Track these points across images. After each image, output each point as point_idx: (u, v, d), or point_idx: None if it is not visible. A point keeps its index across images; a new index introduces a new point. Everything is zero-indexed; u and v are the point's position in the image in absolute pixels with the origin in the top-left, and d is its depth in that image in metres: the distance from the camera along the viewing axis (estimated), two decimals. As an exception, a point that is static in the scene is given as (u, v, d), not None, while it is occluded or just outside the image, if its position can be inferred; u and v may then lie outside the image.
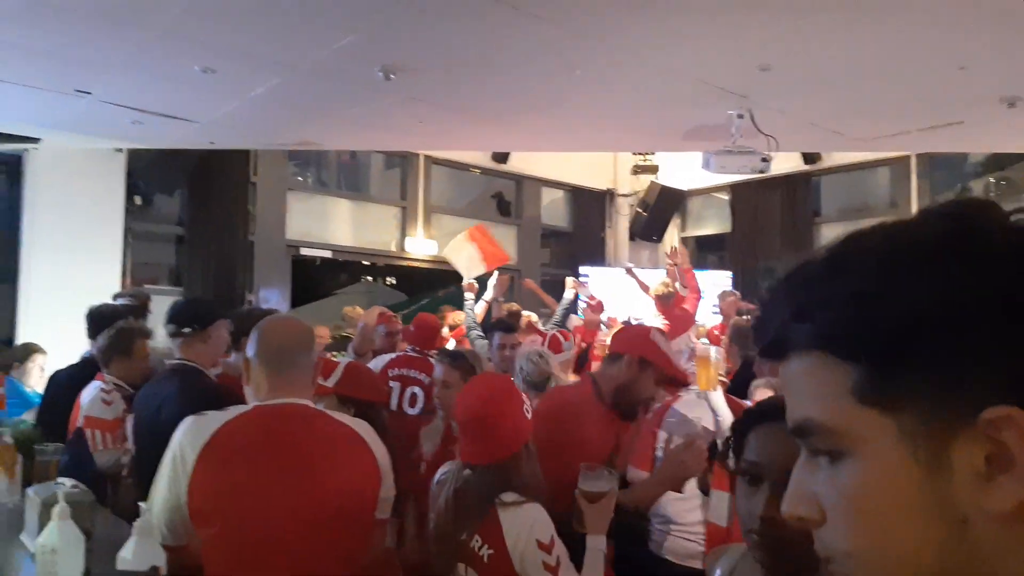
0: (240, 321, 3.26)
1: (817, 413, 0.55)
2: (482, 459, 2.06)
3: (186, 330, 2.92)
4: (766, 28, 3.66)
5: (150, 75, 4.44)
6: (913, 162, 8.27)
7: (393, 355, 4.27)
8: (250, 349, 2.10)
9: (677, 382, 2.81)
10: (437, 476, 2.25)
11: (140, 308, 4.74)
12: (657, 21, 3.62)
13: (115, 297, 5.01)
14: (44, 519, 2.16)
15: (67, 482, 2.30)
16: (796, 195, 8.92)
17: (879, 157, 8.24)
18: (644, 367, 2.61)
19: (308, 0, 3.50)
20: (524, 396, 2.15)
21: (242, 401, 2.14)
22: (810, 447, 0.57)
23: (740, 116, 4.64)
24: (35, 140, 6.04)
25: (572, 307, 7.33)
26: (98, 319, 4.13)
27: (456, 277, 10.75)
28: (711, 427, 2.94)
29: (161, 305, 7.26)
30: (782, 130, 4.79)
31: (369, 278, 13.70)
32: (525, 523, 1.94)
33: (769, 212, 9.14)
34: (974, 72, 4.03)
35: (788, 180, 8.83)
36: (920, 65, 4.06)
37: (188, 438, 1.92)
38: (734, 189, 9.40)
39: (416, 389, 4.08)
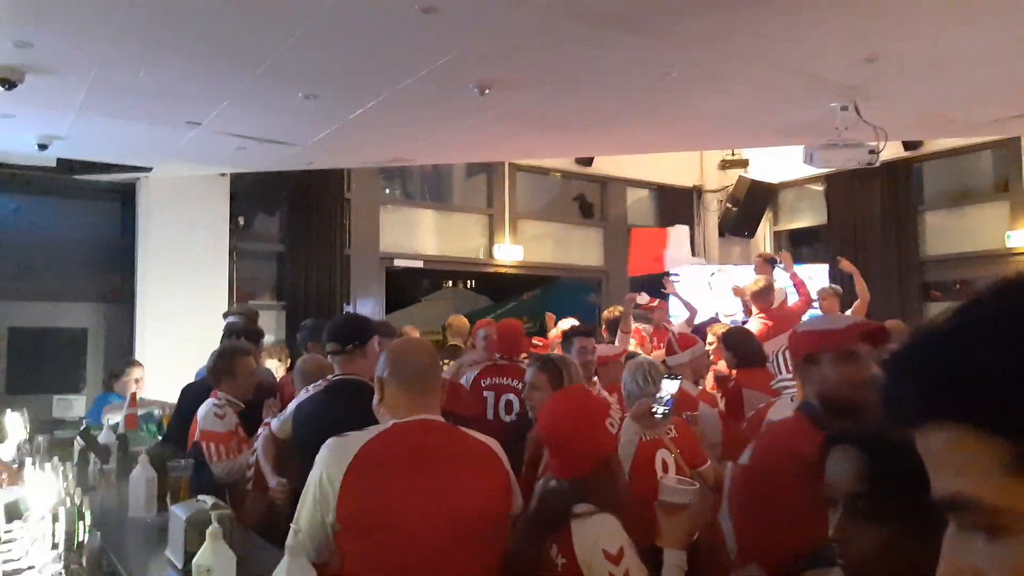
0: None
1: (970, 489, 0.53)
2: (564, 473, 2.09)
3: (348, 347, 2.98)
4: (873, 18, 3.53)
5: (256, 105, 4.62)
6: (1023, 143, 7.81)
7: (482, 366, 4.29)
8: (384, 370, 2.17)
9: None
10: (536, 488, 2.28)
11: (251, 327, 4.97)
12: (757, 19, 3.54)
13: (225, 315, 5.25)
14: (190, 536, 2.28)
15: (207, 499, 2.41)
16: (897, 183, 8.55)
17: (984, 140, 7.80)
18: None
19: (404, 25, 3.57)
20: (608, 407, 2.14)
21: None
22: (963, 521, 0.55)
23: (844, 108, 4.48)
24: (147, 169, 6.37)
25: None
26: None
27: (539, 282, 10.83)
28: None
29: (266, 318, 7.71)
30: (889, 120, 4.59)
31: (450, 283, 13.93)
32: (592, 533, 1.95)
33: (868, 202, 8.78)
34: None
35: (888, 168, 8.43)
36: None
37: (333, 459, 1.99)
38: (829, 180, 9.07)
39: (511, 396, 4.13)
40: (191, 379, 4.29)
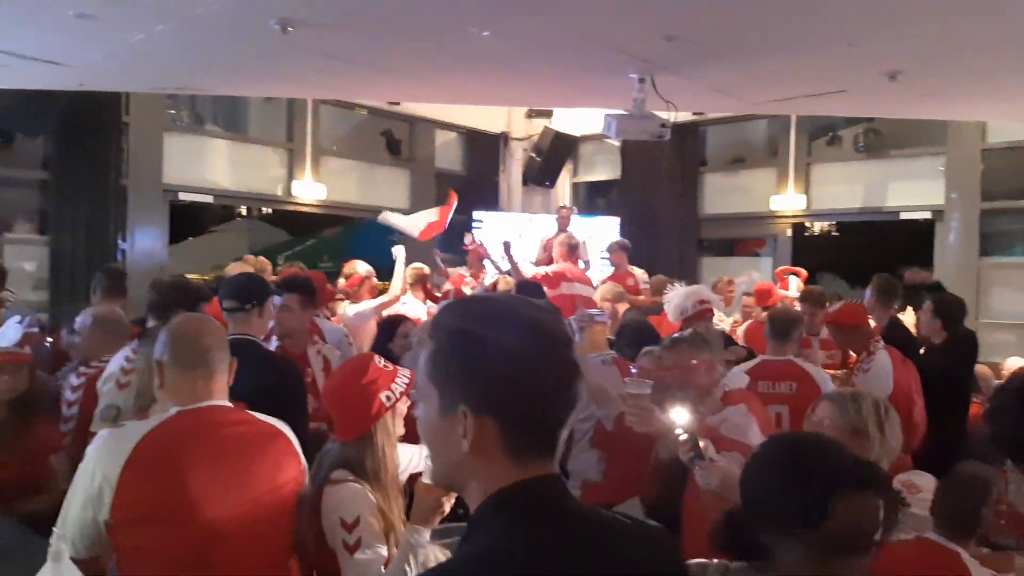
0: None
1: None
2: (338, 434, 2.12)
3: (248, 306, 3.01)
4: (676, 3, 3.71)
5: (19, 19, 4.02)
6: (793, 116, 8.68)
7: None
8: (163, 352, 2.03)
9: None
10: None
11: None
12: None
13: None
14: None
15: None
16: (684, 143, 9.17)
17: (761, 110, 8.58)
18: None
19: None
20: (391, 379, 2.11)
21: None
22: None
23: (642, 80, 4.70)
24: None
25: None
26: None
27: (342, 220, 10.53)
28: None
29: (27, 252, 6.86)
30: (681, 94, 4.88)
31: (244, 210, 12.97)
32: (336, 500, 1.98)
33: (658, 160, 9.37)
34: (861, 47, 4.24)
35: (677, 129, 8.95)
36: (815, 41, 4.23)
37: (107, 454, 1.86)
38: (625, 137, 9.57)
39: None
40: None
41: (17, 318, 3.05)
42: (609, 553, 1.02)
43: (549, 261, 6.67)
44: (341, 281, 5.84)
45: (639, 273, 7.38)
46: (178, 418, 1.95)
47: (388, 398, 2.06)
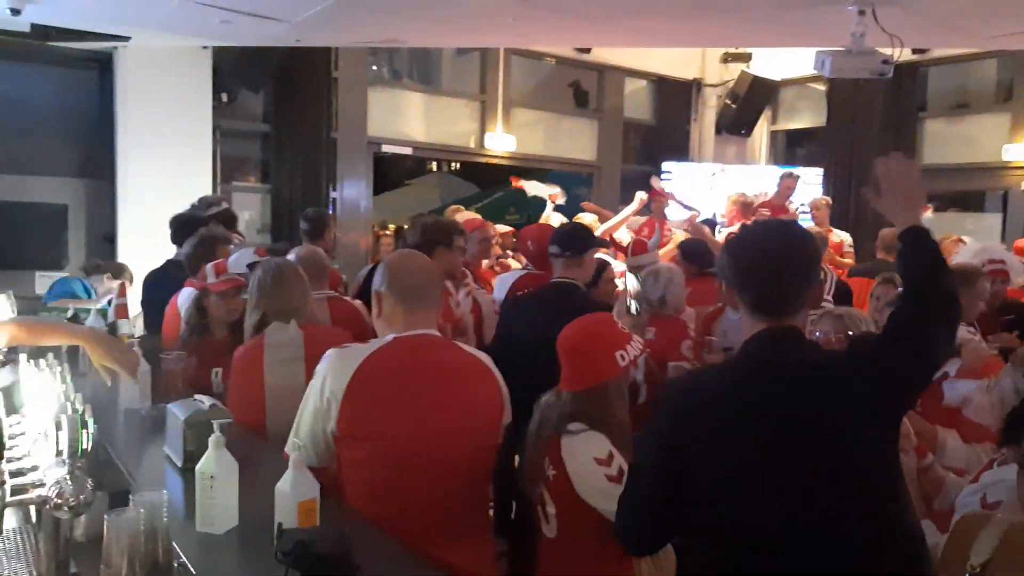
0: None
1: None
2: (566, 384, 2.20)
3: (568, 253, 3.34)
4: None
5: (243, -23, 4.35)
6: (1030, 53, 7.61)
7: (517, 274, 4.24)
8: (383, 284, 2.14)
9: None
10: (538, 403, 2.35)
11: (226, 214, 4.87)
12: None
13: (200, 203, 5.11)
14: (189, 436, 2.29)
15: (205, 400, 2.40)
16: (902, 87, 8.34)
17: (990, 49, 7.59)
18: None
19: None
20: (626, 341, 2.21)
21: None
22: None
23: (862, 12, 4.29)
24: (126, 38, 6.04)
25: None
26: (180, 226, 4.27)
27: (529, 172, 10.66)
28: None
29: (251, 200, 7.56)
30: (903, 28, 4.40)
31: (435, 166, 13.60)
32: (582, 448, 2.10)
33: (870, 105, 8.60)
34: None
35: (894, 71, 8.23)
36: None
37: (335, 371, 2.01)
38: (833, 80, 8.82)
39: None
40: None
41: (251, 249, 3.33)
42: None
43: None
44: None
45: (844, 236, 6.87)
46: (394, 344, 2.06)
47: (623, 357, 2.16)
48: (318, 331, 2.78)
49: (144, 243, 5.52)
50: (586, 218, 5.63)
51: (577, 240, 3.39)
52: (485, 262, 4.99)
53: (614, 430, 2.14)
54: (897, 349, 1.57)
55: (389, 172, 12.21)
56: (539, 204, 7.27)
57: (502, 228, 6.47)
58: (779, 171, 7.88)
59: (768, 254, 1.66)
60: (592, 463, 2.07)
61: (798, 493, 1.51)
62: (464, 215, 5.58)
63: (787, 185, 6.97)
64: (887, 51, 4.49)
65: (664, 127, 9.85)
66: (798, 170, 8.92)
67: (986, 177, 8.31)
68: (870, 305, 3.65)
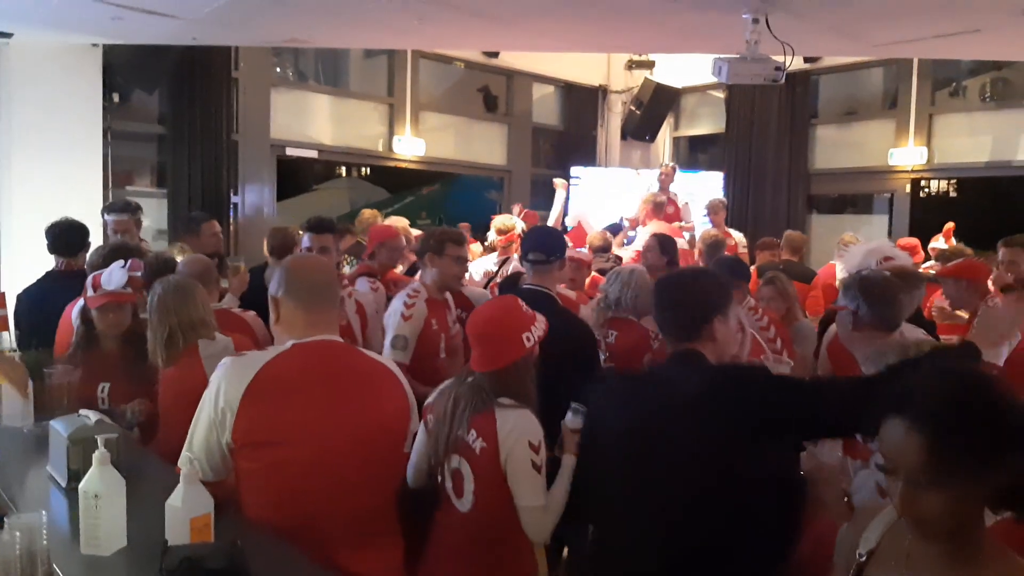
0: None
1: None
2: (480, 366, 2.26)
3: (552, 258, 3.18)
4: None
5: (133, -30, 4.15)
6: (915, 61, 8.10)
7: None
8: (279, 288, 2.07)
9: None
10: (438, 389, 2.40)
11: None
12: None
13: (106, 210, 4.84)
14: (73, 454, 2.16)
15: (90, 415, 2.28)
16: (795, 95, 8.74)
17: (877, 58, 8.04)
18: None
19: None
20: (531, 322, 2.30)
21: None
22: None
23: (755, 20, 4.46)
24: (7, 35, 5.67)
25: (565, 207, 7.30)
26: (62, 233, 3.93)
27: (439, 176, 10.61)
28: None
29: (147, 206, 7.22)
30: (797, 36, 4.61)
31: (343, 170, 13.38)
32: (518, 423, 2.17)
33: (766, 112, 8.98)
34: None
35: (787, 79, 8.59)
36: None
37: (229, 379, 1.93)
38: (731, 87, 9.18)
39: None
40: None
41: (120, 262, 3.16)
42: None
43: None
44: (493, 236, 5.69)
45: (737, 236, 7.15)
46: (294, 350, 2.00)
47: (528, 339, 2.25)
48: (236, 337, 2.78)
49: (29, 252, 5.18)
50: (508, 220, 5.64)
51: (555, 247, 3.24)
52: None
53: (530, 406, 2.23)
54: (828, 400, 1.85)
55: (297, 177, 11.94)
56: (448, 208, 7.27)
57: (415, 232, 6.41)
58: (683, 176, 8.15)
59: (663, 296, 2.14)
60: (525, 443, 2.14)
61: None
62: (391, 220, 5.51)
63: (665, 173, 7.56)
64: (780, 58, 4.69)
65: (572, 132, 10.01)
66: (700, 174, 9.26)
67: (874, 181, 8.79)
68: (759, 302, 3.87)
